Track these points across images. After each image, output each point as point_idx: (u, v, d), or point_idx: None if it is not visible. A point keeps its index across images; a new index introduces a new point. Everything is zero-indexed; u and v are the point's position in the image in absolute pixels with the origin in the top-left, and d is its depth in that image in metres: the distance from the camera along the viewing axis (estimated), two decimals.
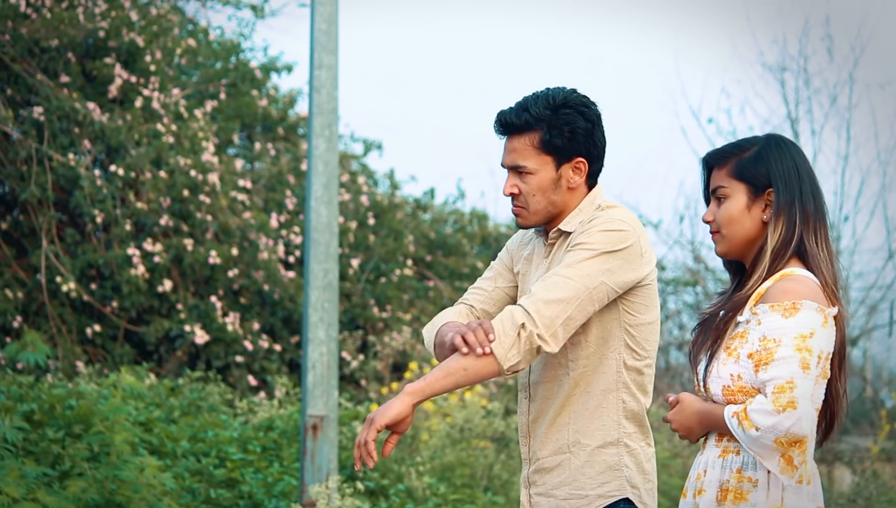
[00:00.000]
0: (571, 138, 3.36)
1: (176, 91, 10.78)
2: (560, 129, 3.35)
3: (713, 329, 3.13)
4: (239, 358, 10.21)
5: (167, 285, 10.06)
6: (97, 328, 9.88)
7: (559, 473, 3.37)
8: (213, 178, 10.39)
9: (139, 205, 10.03)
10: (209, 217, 10.43)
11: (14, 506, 5.37)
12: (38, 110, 9.88)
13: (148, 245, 9.98)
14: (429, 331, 3.50)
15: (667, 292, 15.79)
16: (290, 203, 11.47)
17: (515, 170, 3.41)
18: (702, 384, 3.13)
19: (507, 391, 10.56)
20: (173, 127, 10.37)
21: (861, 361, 16.88)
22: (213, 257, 10.23)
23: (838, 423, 3.18)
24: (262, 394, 9.99)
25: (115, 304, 9.93)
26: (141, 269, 9.84)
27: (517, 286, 3.54)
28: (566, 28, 32.41)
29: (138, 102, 10.29)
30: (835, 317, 3.06)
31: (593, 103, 3.41)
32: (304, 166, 11.59)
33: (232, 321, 10.23)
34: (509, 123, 3.39)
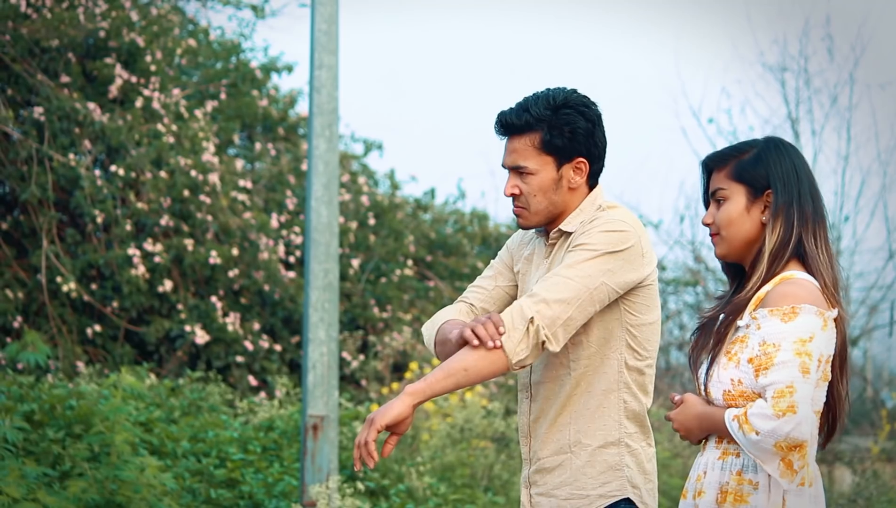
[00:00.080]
0: (572, 139, 3.36)
1: (176, 91, 10.78)
2: (560, 129, 3.35)
3: (714, 333, 3.13)
4: (239, 358, 10.21)
5: (167, 285, 10.06)
6: (97, 328, 9.88)
7: (560, 473, 3.37)
8: (214, 178, 10.40)
9: (139, 205, 10.03)
10: (209, 217, 10.43)
11: (14, 506, 5.37)
12: (38, 110, 9.89)
13: (148, 245, 9.98)
14: (428, 329, 3.50)
15: (667, 292, 15.79)
16: (291, 203, 11.47)
17: (516, 170, 3.41)
18: (703, 387, 3.13)
19: (508, 391, 10.56)
20: (174, 127, 10.37)
21: (861, 361, 16.89)
22: (214, 258, 10.23)
23: (840, 425, 3.18)
24: (263, 394, 9.99)
25: (115, 304, 9.93)
26: (141, 269, 9.84)
27: (517, 286, 3.54)
28: (566, 28, 32.41)
29: (139, 103, 10.29)
30: (835, 319, 3.06)
31: (594, 103, 3.41)
32: (304, 167, 11.59)
33: (232, 322, 10.23)
34: (510, 124, 3.39)
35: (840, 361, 3.12)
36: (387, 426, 3.16)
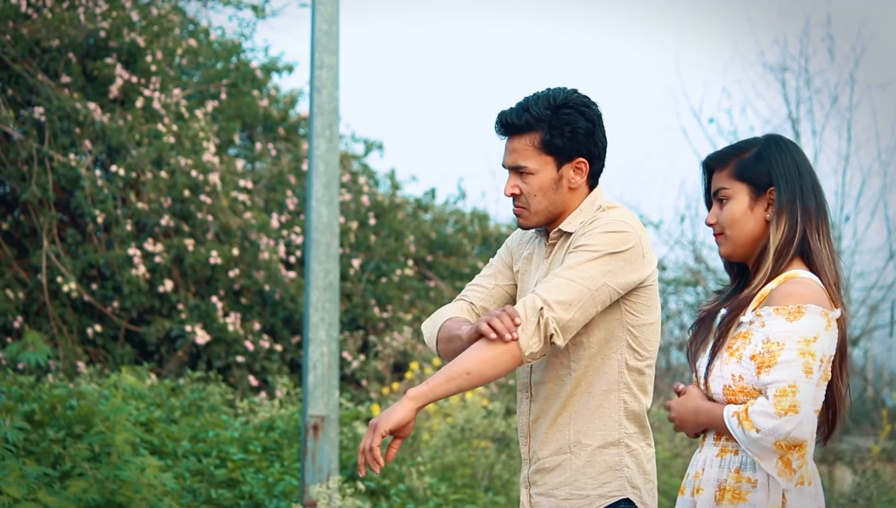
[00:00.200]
0: (572, 139, 3.36)
1: (177, 91, 10.78)
2: (561, 129, 3.35)
3: (717, 328, 3.14)
4: (240, 358, 10.21)
5: (168, 285, 10.06)
6: (98, 328, 9.88)
7: (560, 473, 3.37)
8: (214, 178, 10.40)
9: (140, 205, 10.03)
10: (210, 217, 10.43)
11: (15, 506, 5.37)
12: (38, 111, 9.89)
13: (149, 245, 9.98)
14: (429, 327, 3.49)
15: (668, 292, 15.79)
16: (291, 203, 11.47)
17: (516, 170, 3.40)
18: (702, 381, 3.13)
19: (508, 390, 10.56)
20: (174, 127, 10.37)
21: (862, 361, 16.90)
22: (214, 258, 10.24)
23: (840, 423, 3.19)
24: (263, 394, 9.99)
25: (115, 304, 9.93)
26: (142, 269, 9.84)
27: (517, 285, 3.53)
28: (566, 28, 32.42)
29: (139, 103, 10.30)
30: (836, 319, 3.07)
31: (594, 103, 3.41)
32: (304, 167, 11.59)
33: (233, 322, 10.23)
34: (510, 124, 3.39)
35: (840, 360, 3.12)
36: (390, 431, 3.15)
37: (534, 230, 3.53)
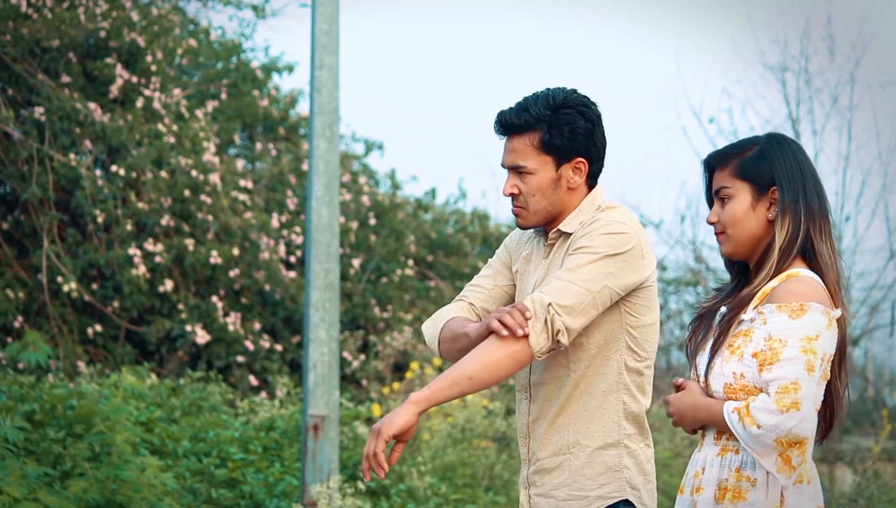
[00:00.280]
0: (571, 138, 3.35)
1: (177, 91, 10.78)
2: (560, 129, 3.34)
3: (718, 326, 3.13)
4: (240, 358, 10.21)
5: (168, 285, 10.06)
6: (98, 328, 9.88)
7: (559, 474, 3.37)
8: (215, 178, 10.40)
9: (140, 205, 10.03)
10: (210, 217, 10.43)
11: (15, 506, 5.37)
12: (39, 110, 9.89)
13: (149, 245, 9.98)
14: (430, 328, 3.49)
15: (668, 292, 15.79)
16: (292, 203, 11.47)
17: (515, 170, 3.40)
18: (702, 379, 3.13)
19: (509, 390, 10.56)
20: (174, 127, 10.37)
21: (863, 361, 16.89)
22: (215, 257, 10.23)
23: (838, 422, 3.19)
24: (264, 394, 9.99)
25: (116, 304, 9.93)
26: (142, 269, 9.84)
27: (516, 285, 3.53)
28: (566, 28, 32.41)
29: (139, 103, 10.29)
30: (837, 318, 3.07)
31: (593, 104, 3.40)
32: (305, 166, 11.59)
33: (233, 321, 10.23)
34: (509, 124, 3.38)
35: (839, 360, 3.12)
36: (393, 436, 3.15)
37: (532, 230, 3.52)
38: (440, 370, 10.08)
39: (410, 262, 12.20)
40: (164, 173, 10.11)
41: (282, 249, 10.92)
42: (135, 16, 10.59)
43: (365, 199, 12.19)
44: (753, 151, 3.17)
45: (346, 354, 10.82)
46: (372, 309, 11.60)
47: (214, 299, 10.22)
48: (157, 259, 9.97)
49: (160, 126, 10.27)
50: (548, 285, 3.23)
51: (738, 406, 2.99)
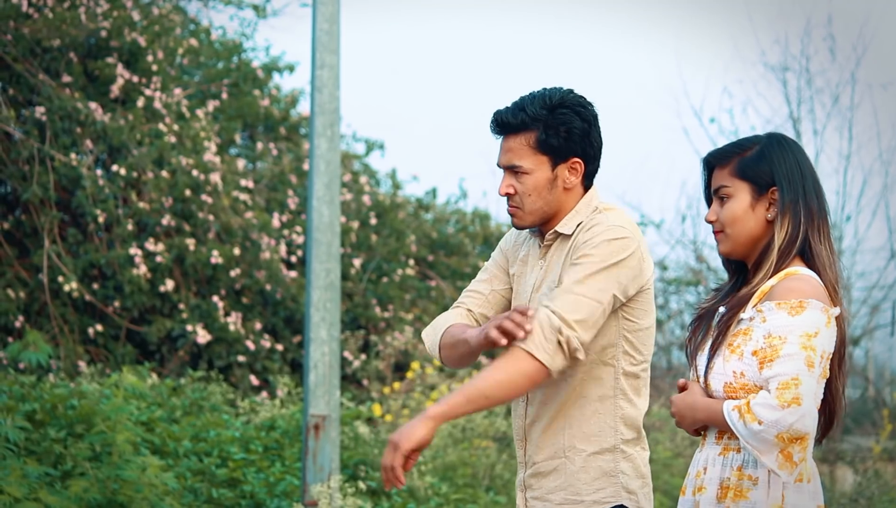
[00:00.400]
0: (567, 138, 3.34)
1: (178, 91, 10.78)
2: (556, 129, 3.33)
3: (716, 325, 3.14)
4: (241, 358, 10.21)
5: (169, 284, 10.07)
6: (99, 327, 9.89)
7: (555, 477, 3.36)
8: (215, 178, 10.40)
9: (141, 205, 10.04)
10: (211, 217, 10.43)
11: (16, 506, 5.37)
12: (40, 110, 9.89)
13: (150, 245, 9.98)
14: (430, 335, 3.48)
15: (669, 291, 15.77)
16: (292, 203, 11.47)
17: (511, 170, 3.38)
18: (702, 379, 3.13)
19: None
20: (175, 127, 10.37)
21: (863, 361, 16.88)
22: (215, 257, 10.24)
23: (837, 421, 3.19)
24: (264, 394, 10.00)
25: (116, 304, 9.94)
26: (143, 269, 9.84)
27: (513, 288, 3.52)
28: (566, 28, 32.42)
29: (140, 102, 10.30)
30: (836, 317, 3.07)
31: (590, 104, 3.39)
32: (306, 166, 11.59)
33: (234, 321, 10.24)
34: (505, 123, 3.37)
35: (839, 358, 3.12)
36: (411, 450, 3.16)
37: (527, 231, 3.51)
38: (441, 370, 10.09)
39: (411, 262, 12.20)
40: (164, 173, 10.11)
41: (283, 248, 10.92)
42: (136, 15, 10.59)
43: (366, 198, 12.19)
44: (754, 151, 3.17)
45: (346, 354, 10.82)
46: (373, 309, 11.61)
47: (215, 298, 10.23)
48: (158, 259, 9.97)
49: (161, 126, 10.27)
50: (556, 299, 3.21)
51: (738, 404, 2.99)
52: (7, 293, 9.46)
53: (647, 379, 3.40)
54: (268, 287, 10.64)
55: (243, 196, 10.77)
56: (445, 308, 12.04)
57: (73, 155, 9.85)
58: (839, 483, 12.36)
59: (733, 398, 3.04)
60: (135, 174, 10.07)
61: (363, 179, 12.54)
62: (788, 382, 2.93)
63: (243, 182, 10.96)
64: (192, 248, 10.18)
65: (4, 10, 9.76)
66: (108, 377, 8.08)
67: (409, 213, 13.03)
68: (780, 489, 3.02)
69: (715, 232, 3.22)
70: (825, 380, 3.07)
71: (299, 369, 10.77)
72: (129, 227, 9.92)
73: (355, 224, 11.82)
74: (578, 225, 3.36)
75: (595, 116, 3.38)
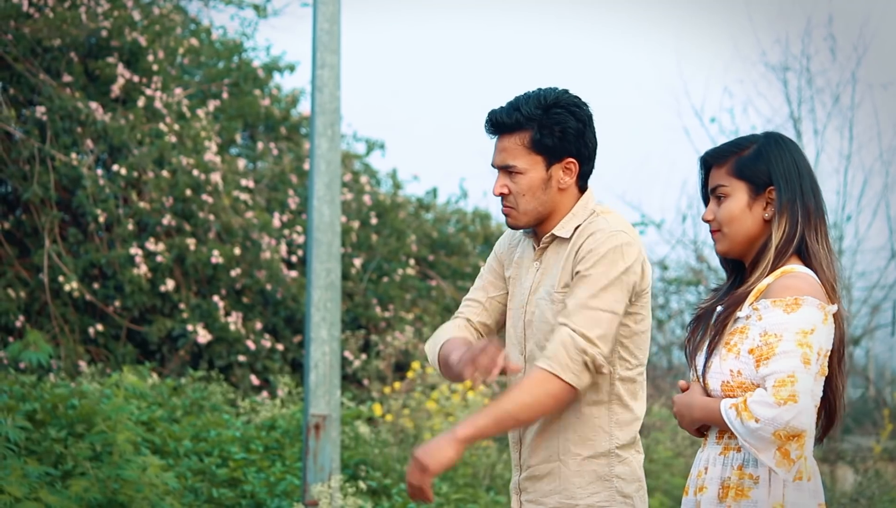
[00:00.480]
0: (562, 138, 3.32)
1: (178, 91, 10.79)
2: (551, 128, 3.31)
3: (713, 325, 3.14)
4: (241, 358, 10.22)
5: (170, 284, 10.07)
6: (99, 327, 9.89)
7: (550, 481, 3.36)
8: (216, 177, 10.40)
9: (142, 204, 10.04)
10: (212, 217, 10.43)
11: (16, 506, 5.37)
12: (40, 110, 9.89)
13: (150, 245, 9.99)
14: (431, 348, 3.49)
15: (669, 291, 15.77)
16: (293, 203, 11.48)
17: (505, 170, 3.37)
18: (700, 378, 3.13)
19: None
20: (176, 127, 10.38)
21: (864, 360, 16.88)
22: (216, 257, 10.24)
23: (838, 419, 3.19)
24: (265, 394, 10.00)
25: (117, 303, 9.94)
26: (143, 268, 9.84)
27: (508, 292, 3.51)
28: (566, 28, 32.42)
29: (141, 102, 10.30)
30: (834, 315, 3.07)
31: (585, 104, 3.37)
32: (306, 166, 11.59)
33: (234, 321, 10.24)
34: (500, 123, 3.35)
35: (838, 356, 3.12)
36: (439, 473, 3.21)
37: (521, 233, 3.50)
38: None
39: (412, 261, 12.20)
40: (165, 173, 10.12)
41: (283, 248, 10.93)
42: (136, 15, 10.60)
43: (366, 198, 12.19)
44: (751, 151, 3.17)
45: (347, 353, 10.83)
46: (373, 309, 11.61)
47: (216, 298, 10.23)
48: (159, 259, 9.98)
49: (161, 125, 10.27)
50: (574, 315, 3.22)
51: (735, 403, 2.99)
52: (7, 293, 9.47)
53: (643, 383, 3.40)
54: (268, 287, 10.65)
55: (244, 196, 10.78)
56: (446, 308, 12.06)
57: (73, 155, 9.85)
58: (840, 482, 12.35)
59: (731, 397, 3.04)
60: (135, 174, 10.07)
61: (364, 178, 12.55)
62: (784, 379, 2.93)
63: (244, 182, 10.96)
64: (192, 248, 10.18)
65: (5, 9, 9.77)
66: (109, 377, 8.09)
67: (410, 213, 13.03)
68: (781, 487, 3.02)
69: (712, 231, 3.22)
70: (823, 378, 3.07)
71: (300, 368, 10.77)
72: (130, 227, 9.92)
73: (356, 224, 11.82)
74: (576, 228, 3.35)
75: (590, 117, 3.37)
